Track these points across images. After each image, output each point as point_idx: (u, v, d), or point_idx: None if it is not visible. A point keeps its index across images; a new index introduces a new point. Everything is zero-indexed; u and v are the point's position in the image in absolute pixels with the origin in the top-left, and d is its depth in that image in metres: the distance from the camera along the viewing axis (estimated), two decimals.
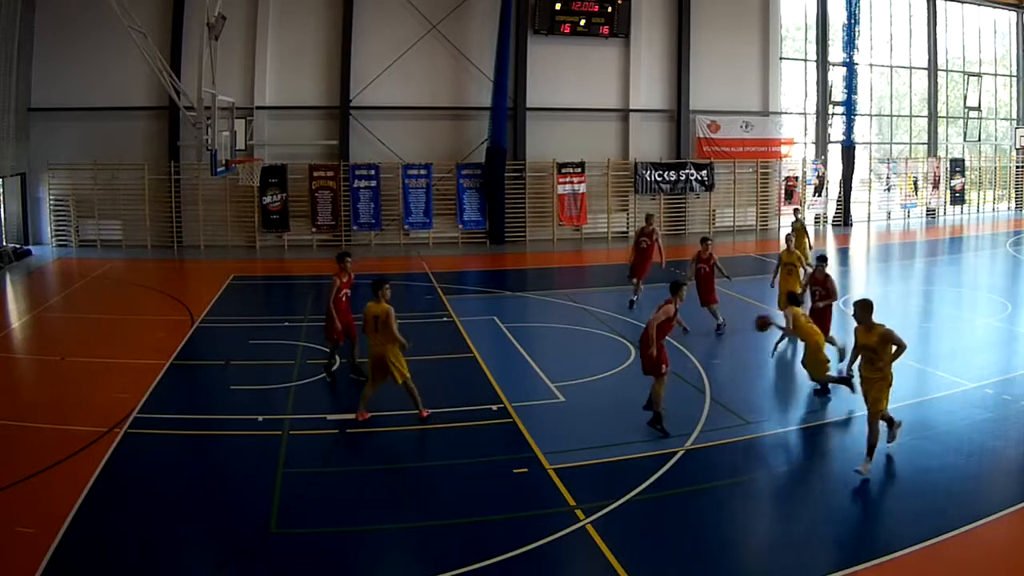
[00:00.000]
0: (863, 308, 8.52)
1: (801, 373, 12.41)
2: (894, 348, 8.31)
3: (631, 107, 26.63)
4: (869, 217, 30.62)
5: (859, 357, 8.58)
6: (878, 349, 8.32)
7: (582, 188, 25.83)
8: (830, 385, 10.52)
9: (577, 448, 8.90)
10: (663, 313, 9.37)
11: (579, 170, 25.77)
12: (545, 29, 25.29)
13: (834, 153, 29.77)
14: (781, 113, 28.70)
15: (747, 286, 18.46)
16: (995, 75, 33.95)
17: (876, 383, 8.42)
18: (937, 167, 31.57)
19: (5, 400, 10.64)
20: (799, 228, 18.30)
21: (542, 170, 25.77)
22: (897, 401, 10.28)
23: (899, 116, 32.82)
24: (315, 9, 24.12)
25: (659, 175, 26.68)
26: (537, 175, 25.79)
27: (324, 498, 7.94)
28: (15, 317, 15.78)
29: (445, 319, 15.12)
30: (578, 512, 7.44)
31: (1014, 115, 34.33)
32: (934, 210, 31.75)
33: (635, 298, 15.93)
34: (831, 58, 29.47)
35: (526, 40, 25.28)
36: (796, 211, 20.30)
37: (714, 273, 14.13)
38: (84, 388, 11.03)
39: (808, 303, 12.06)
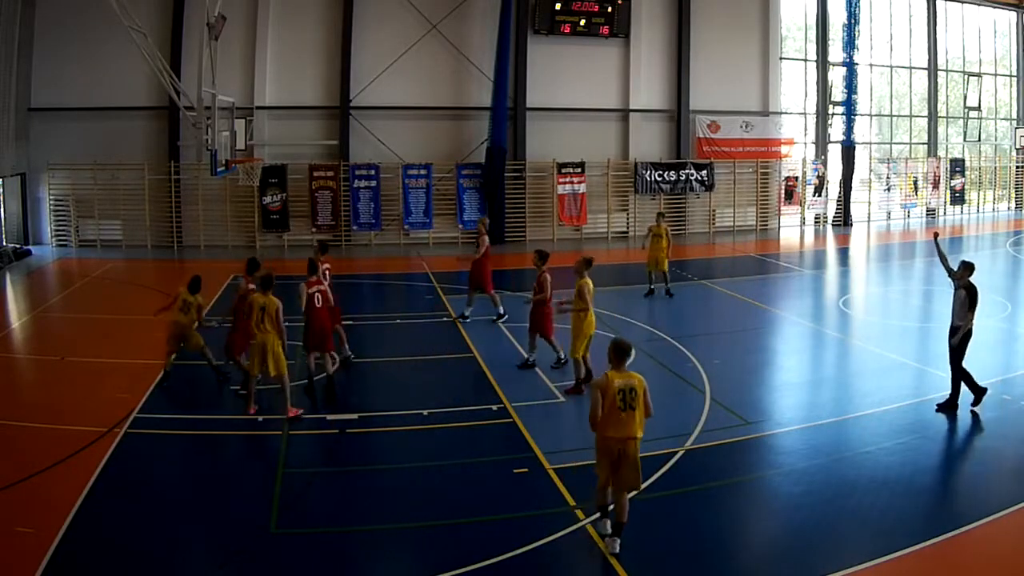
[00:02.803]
0: (613, 351, 6.89)
1: (801, 373, 12.48)
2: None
3: (631, 107, 26.62)
4: (869, 217, 30.61)
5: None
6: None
7: (582, 188, 25.82)
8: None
9: (577, 448, 8.87)
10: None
11: (579, 170, 25.77)
12: (545, 29, 25.28)
13: (834, 153, 29.75)
14: (781, 113, 28.68)
15: (747, 286, 18.51)
16: (995, 75, 33.95)
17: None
18: (937, 167, 31.56)
19: (5, 400, 10.62)
20: (656, 233, 16.80)
21: (542, 170, 25.76)
22: (898, 401, 10.36)
23: (899, 116, 32.80)
24: (315, 9, 24.12)
25: (659, 175, 26.68)
26: (537, 175, 25.78)
27: (324, 498, 7.94)
28: (15, 317, 15.77)
29: (445, 319, 15.12)
30: (578, 512, 7.45)
31: (1014, 115, 34.31)
32: (934, 210, 31.73)
33: (498, 311, 14.61)
34: (831, 58, 29.45)
35: (526, 40, 25.27)
36: (659, 216, 18.04)
37: (547, 294, 11.50)
38: (84, 388, 11.02)
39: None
